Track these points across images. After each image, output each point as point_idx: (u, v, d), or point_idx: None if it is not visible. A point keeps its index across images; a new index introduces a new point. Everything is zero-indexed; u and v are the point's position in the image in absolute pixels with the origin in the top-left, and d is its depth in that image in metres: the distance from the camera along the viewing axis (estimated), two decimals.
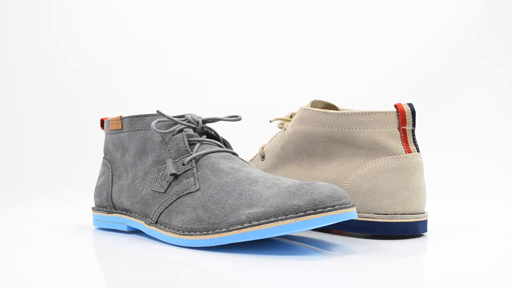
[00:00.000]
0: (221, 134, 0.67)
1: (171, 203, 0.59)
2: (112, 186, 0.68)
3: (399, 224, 0.60)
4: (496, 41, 1.27)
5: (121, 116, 0.68)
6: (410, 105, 0.62)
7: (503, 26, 1.27)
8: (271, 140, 0.72)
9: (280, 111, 0.83)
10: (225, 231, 0.53)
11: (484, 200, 0.99)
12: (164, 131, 0.61)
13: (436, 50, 1.28)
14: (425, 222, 0.62)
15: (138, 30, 1.28)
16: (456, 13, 1.28)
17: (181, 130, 0.62)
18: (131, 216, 0.65)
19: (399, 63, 1.29)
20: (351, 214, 0.52)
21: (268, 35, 1.30)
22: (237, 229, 0.52)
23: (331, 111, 0.64)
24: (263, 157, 0.71)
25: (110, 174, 0.69)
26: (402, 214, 0.60)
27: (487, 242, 0.62)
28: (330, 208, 0.51)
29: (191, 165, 0.59)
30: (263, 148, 0.72)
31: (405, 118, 0.61)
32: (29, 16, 1.24)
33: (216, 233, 0.54)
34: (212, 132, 0.65)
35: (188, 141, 0.62)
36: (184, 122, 0.63)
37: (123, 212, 0.66)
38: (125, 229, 0.66)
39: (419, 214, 0.61)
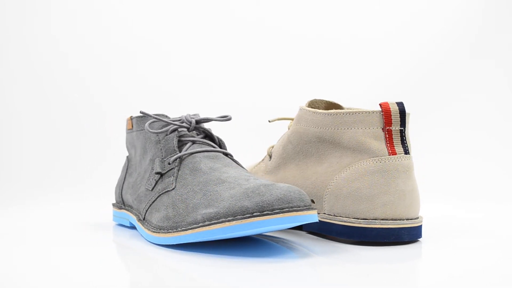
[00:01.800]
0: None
1: (154, 201, 0.61)
2: (123, 183, 0.72)
3: (377, 230, 0.56)
4: (497, 41, 1.25)
5: (131, 116, 0.72)
6: (400, 104, 0.58)
7: (503, 26, 1.26)
8: (279, 140, 0.72)
9: (288, 111, 0.81)
10: (183, 230, 0.54)
11: (485, 202, 0.95)
12: (156, 130, 0.64)
13: (436, 49, 1.27)
14: (411, 229, 0.57)
15: (138, 30, 1.29)
16: (456, 13, 1.28)
17: (174, 130, 0.64)
18: (131, 213, 0.68)
19: (401, 62, 1.28)
20: (301, 217, 0.50)
21: (269, 35, 1.30)
22: (192, 228, 0.53)
23: (320, 110, 0.62)
24: (270, 157, 0.71)
25: (125, 171, 0.73)
26: (382, 219, 0.57)
27: (480, 247, 0.57)
28: (278, 211, 0.50)
29: (175, 164, 0.61)
30: (271, 148, 0.72)
31: (390, 118, 0.58)
32: (29, 15, 1.25)
33: (177, 231, 0.55)
34: (207, 132, 0.66)
35: (181, 141, 0.64)
36: (176, 123, 0.65)
37: (127, 208, 0.70)
38: (128, 225, 0.70)
39: (403, 220, 0.57)
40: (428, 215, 0.76)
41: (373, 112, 0.58)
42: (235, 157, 0.65)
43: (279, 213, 0.50)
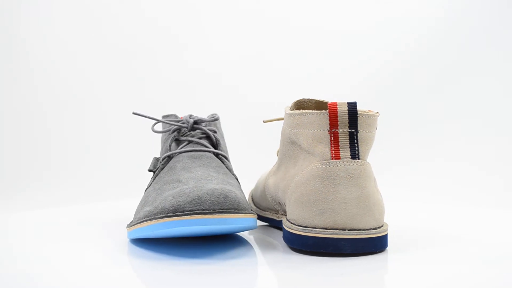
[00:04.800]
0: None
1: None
2: None
3: (314, 239, 0.53)
4: (490, 39, 1.20)
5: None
6: (351, 104, 0.53)
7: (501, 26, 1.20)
8: None
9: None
10: (131, 226, 0.58)
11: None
12: (160, 130, 0.69)
13: (432, 47, 1.24)
14: (356, 240, 0.52)
15: (138, 29, 1.27)
16: (447, 12, 1.24)
17: (175, 131, 0.68)
18: None
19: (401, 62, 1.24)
20: (207, 220, 0.51)
21: (269, 35, 1.25)
22: (134, 225, 0.57)
23: (288, 111, 0.60)
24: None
25: None
26: (321, 228, 0.53)
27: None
28: (187, 213, 0.51)
29: (163, 163, 0.64)
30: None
31: (336, 120, 0.53)
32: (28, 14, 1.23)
33: (129, 226, 0.59)
34: (206, 133, 0.68)
35: (181, 140, 0.68)
36: (173, 123, 0.68)
37: None
38: None
39: (344, 230, 0.52)
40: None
41: (323, 112, 0.55)
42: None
43: (187, 215, 0.51)
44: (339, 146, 0.53)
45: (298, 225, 0.54)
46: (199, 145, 0.66)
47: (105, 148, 1.22)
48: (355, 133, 0.53)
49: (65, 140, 1.21)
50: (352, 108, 0.53)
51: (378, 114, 0.57)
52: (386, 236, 0.55)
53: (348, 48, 1.26)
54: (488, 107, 1.15)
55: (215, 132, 0.69)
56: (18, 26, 1.21)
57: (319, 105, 0.64)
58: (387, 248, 0.56)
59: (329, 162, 0.53)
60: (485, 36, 1.18)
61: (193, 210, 0.51)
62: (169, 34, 1.29)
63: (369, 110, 0.60)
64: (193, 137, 0.67)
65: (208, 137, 0.68)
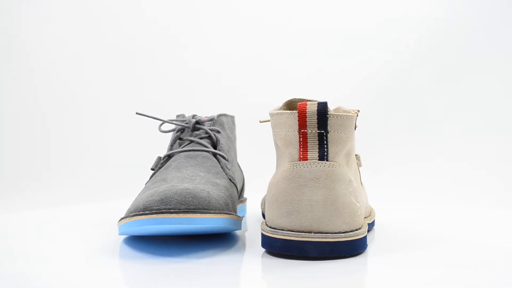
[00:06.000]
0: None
1: None
2: None
3: (280, 241, 0.52)
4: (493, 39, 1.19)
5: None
6: (321, 104, 0.52)
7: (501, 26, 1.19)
8: None
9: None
10: (118, 223, 0.58)
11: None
12: (164, 130, 0.69)
13: (432, 47, 1.23)
14: (323, 244, 0.51)
15: (139, 29, 1.27)
16: (448, 12, 1.23)
17: (179, 130, 0.69)
18: None
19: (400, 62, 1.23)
20: (172, 219, 0.51)
21: (268, 34, 1.24)
22: (118, 222, 0.57)
23: (270, 111, 0.59)
24: None
25: None
26: (288, 230, 0.52)
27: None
28: (155, 212, 0.51)
29: (162, 162, 0.65)
30: None
31: (305, 120, 0.52)
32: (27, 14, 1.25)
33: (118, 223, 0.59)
34: (208, 132, 0.68)
35: (182, 139, 0.68)
36: (177, 123, 0.69)
37: None
38: None
39: (310, 233, 0.51)
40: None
41: (292, 113, 0.53)
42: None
43: (154, 214, 0.51)
44: (307, 147, 0.52)
45: (269, 227, 0.54)
46: (199, 145, 0.66)
47: (105, 148, 1.23)
48: (324, 134, 0.52)
49: (65, 140, 1.23)
50: (321, 108, 0.52)
51: (356, 114, 0.55)
52: (359, 240, 0.53)
53: (348, 48, 1.26)
54: (488, 107, 1.14)
55: (218, 132, 0.69)
56: (18, 26, 1.23)
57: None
58: (389, 248, 0.56)
59: (296, 164, 0.52)
60: (485, 36, 1.17)
61: (160, 209, 0.51)
62: (169, 34, 1.29)
63: (352, 110, 0.59)
64: (195, 137, 0.68)
65: (209, 137, 0.68)
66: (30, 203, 0.99)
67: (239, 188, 0.67)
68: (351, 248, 0.52)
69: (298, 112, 0.53)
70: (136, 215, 0.52)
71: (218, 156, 0.66)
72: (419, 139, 1.15)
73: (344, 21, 1.27)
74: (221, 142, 0.68)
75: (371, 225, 0.66)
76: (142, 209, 0.52)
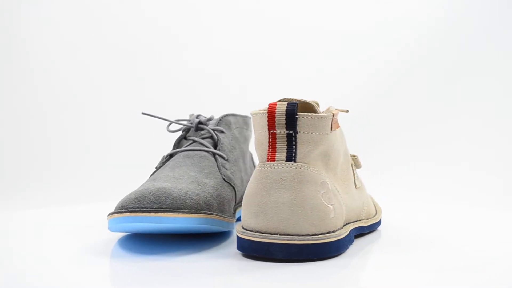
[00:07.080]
0: None
1: None
2: None
3: (248, 242, 0.52)
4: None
5: None
6: (290, 105, 0.52)
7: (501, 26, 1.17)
8: None
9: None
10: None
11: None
12: (172, 130, 0.71)
13: (432, 47, 1.21)
14: (289, 246, 0.50)
15: (139, 29, 1.26)
16: (448, 12, 1.22)
17: (185, 130, 0.70)
18: None
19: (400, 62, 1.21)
20: (143, 218, 0.52)
21: (271, 35, 1.23)
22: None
23: (252, 111, 0.58)
24: None
25: None
26: (256, 231, 0.51)
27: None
28: (130, 210, 0.53)
29: (163, 161, 0.66)
30: None
31: (273, 120, 0.52)
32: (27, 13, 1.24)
33: None
34: (208, 133, 0.69)
35: (187, 138, 0.69)
36: (182, 123, 0.70)
37: None
38: None
39: (275, 235, 0.50)
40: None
41: (263, 113, 0.53)
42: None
43: (128, 212, 0.52)
44: (276, 148, 0.52)
45: (243, 228, 0.53)
46: (200, 145, 0.67)
47: (105, 148, 1.23)
48: (293, 135, 0.52)
49: (65, 140, 1.22)
50: (290, 108, 0.51)
51: (332, 115, 0.54)
52: (331, 243, 0.52)
53: (348, 48, 1.24)
54: (488, 107, 1.12)
55: (221, 131, 0.69)
56: (18, 26, 1.23)
57: (303, 105, 0.61)
58: (390, 248, 0.56)
59: (264, 164, 0.52)
60: (485, 36, 1.15)
61: (134, 208, 0.52)
62: (170, 34, 1.29)
63: (340, 110, 0.58)
64: (198, 136, 0.68)
65: (212, 137, 0.69)
66: (30, 203, 0.99)
67: (239, 188, 0.67)
68: (320, 251, 0.51)
69: (267, 112, 0.52)
70: (114, 213, 0.54)
71: (216, 156, 0.66)
72: (419, 139, 1.14)
73: (344, 21, 1.26)
74: (222, 141, 0.68)
75: (377, 225, 0.66)
76: (120, 207, 0.53)
